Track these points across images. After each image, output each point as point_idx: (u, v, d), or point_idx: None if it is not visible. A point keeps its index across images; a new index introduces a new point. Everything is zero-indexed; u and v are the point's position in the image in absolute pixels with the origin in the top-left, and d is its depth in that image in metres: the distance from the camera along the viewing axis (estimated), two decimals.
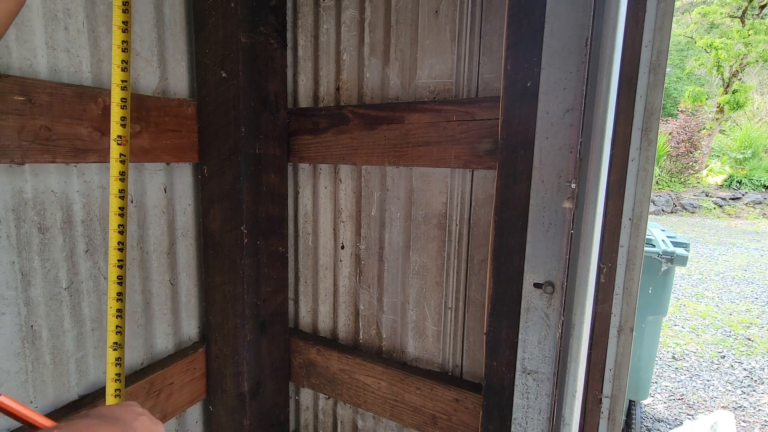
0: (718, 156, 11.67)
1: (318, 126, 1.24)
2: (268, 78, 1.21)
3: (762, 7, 11.94)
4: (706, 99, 12.19)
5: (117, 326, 0.82)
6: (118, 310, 0.78)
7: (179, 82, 1.18)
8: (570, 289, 0.85)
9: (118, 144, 0.73)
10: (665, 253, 2.00)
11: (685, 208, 9.69)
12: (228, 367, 1.27)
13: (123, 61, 0.74)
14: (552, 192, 0.86)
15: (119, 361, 0.82)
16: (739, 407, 2.71)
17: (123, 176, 0.78)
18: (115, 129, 0.74)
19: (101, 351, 1.07)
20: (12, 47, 0.85)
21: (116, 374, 0.82)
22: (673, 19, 0.78)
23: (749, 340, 3.64)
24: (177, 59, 1.17)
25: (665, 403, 2.75)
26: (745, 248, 6.71)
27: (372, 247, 1.27)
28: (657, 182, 10.76)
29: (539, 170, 0.86)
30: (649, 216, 0.84)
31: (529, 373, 0.93)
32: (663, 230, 2.51)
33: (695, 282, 5.10)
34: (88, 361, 1.04)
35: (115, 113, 0.72)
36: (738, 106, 11.46)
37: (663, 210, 9.71)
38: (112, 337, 0.82)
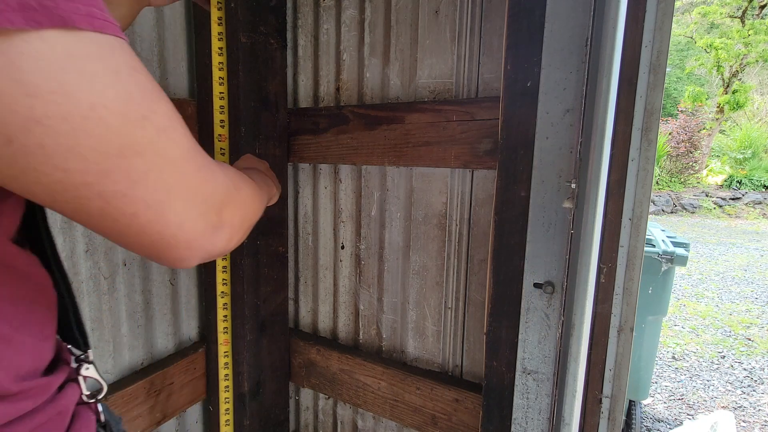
0: (718, 156, 11.67)
1: (318, 126, 1.24)
2: (268, 78, 1.21)
3: (762, 7, 11.94)
4: (706, 99, 12.18)
5: (223, 279, 1.13)
6: (223, 267, 1.12)
7: (179, 82, 1.18)
8: (570, 289, 0.85)
9: (219, 141, 0.98)
10: (665, 253, 2.00)
11: (685, 208, 9.69)
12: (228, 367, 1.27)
13: (220, 78, 0.99)
14: (552, 192, 0.86)
15: (226, 306, 1.14)
16: (739, 407, 2.71)
17: None
18: (216, 129, 0.97)
19: (101, 351, 1.07)
20: None
21: (224, 315, 1.13)
22: (673, 19, 0.78)
23: (749, 340, 3.64)
24: (177, 59, 1.17)
25: (665, 403, 2.75)
26: (745, 248, 6.70)
27: (372, 247, 1.27)
28: (657, 182, 10.76)
29: (539, 170, 0.86)
30: (649, 216, 0.84)
31: (529, 373, 0.93)
32: (663, 230, 2.50)
33: (695, 282, 5.09)
34: None
35: (216, 117, 0.98)
36: (738, 106, 11.46)
37: (663, 210, 9.70)
38: (219, 287, 1.13)
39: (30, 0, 0.23)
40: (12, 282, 0.35)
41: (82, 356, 0.47)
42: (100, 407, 0.47)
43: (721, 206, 9.60)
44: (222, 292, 1.15)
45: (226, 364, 1.14)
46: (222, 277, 1.15)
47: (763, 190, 10.06)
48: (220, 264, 1.12)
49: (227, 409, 1.16)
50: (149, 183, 0.31)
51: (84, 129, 0.27)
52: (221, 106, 0.95)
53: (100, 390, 0.46)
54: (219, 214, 0.38)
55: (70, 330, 0.46)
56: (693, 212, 9.56)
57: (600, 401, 0.86)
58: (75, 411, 0.42)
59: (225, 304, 1.14)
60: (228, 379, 1.17)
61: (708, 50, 12.06)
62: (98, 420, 0.45)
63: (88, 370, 0.45)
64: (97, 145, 0.27)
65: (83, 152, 0.27)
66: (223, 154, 0.94)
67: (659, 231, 2.46)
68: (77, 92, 0.26)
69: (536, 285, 0.89)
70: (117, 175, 0.29)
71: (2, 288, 0.34)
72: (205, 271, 1.26)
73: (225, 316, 1.15)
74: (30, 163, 0.26)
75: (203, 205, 0.36)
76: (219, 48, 0.96)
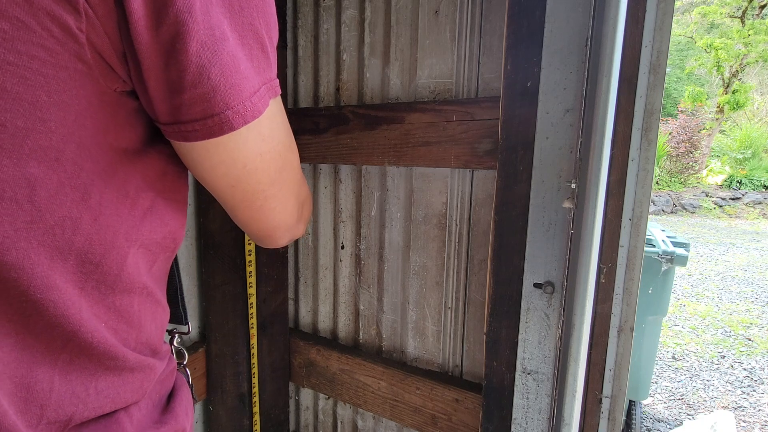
0: (718, 156, 11.66)
1: (318, 126, 1.24)
2: None
3: (762, 7, 11.94)
4: (706, 99, 12.17)
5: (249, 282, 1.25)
6: (249, 272, 1.26)
7: None
8: (570, 289, 0.85)
9: None
10: (665, 253, 2.00)
11: (685, 208, 9.68)
12: (228, 367, 1.27)
13: None
14: (552, 192, 0.86)
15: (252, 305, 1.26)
16: (739, 407, 2.71)
17: None
18: None
19: None
20: None
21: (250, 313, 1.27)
22: (673, 19, 0.78)
23: (749, 340, 3.64)
24: None
25: (665, 403, 2.75)
26: (745, 248, 6.70)
27: (372, 247, 1.27)
28: (657, 182, 10.75)
29: (539, 170, 0.86)
30: (649, 216, 0.84)
31: (529, 373, 0.93)
32: (663, 230, 2.50)
33: (695, 282, 5.09)
34: None
35: None
36: (738, 106, 11.45)
37: (663, 210, 9.70)
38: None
39: (271, 81, 0.38)
40: (169, 260, 0.46)
41: (174, 330, 0.59)
42: (188, 370, 0.59)
43: (721, 206, 9.60)
44: (250, 293, 1.26)
45: (253, 354, 1.31)
46: (249, 280, 1.25)
47: (763, 190, 10.05)
48: (247, 269, 1.26)
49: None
50: (287, 188, 0.46)
51: (272, 156, 0.41)
52: None
53: (184, 357, 0.60)
54: (301, 209, 0.52)
55: (177, 306, 0.56)
56: (693, 212, 9.56)
57: (600, 401, 0.86)
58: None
59: (251, 303, 1.27)
60: (254, 357, 1.30)
61: (708, 50, 12.05)
62: (188, 381, 0.55)
63: (177, 341, 0.59)
64: (275, 165, 0.42)
65: (269, 170, 0.42)
66: None
67: (659, 231, 2.46)
68: (277, 134, 0.41)
69: (536, 285, 0.89)
70: (277, 184, 0.44)
71: (166, 264, 0.45)
72: (205, 271, 1.26)
73: (252, 313, 1.27)
74: (244, 177, 0.40)
75: (298, 202, 0.50)
76: None
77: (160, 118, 0.34)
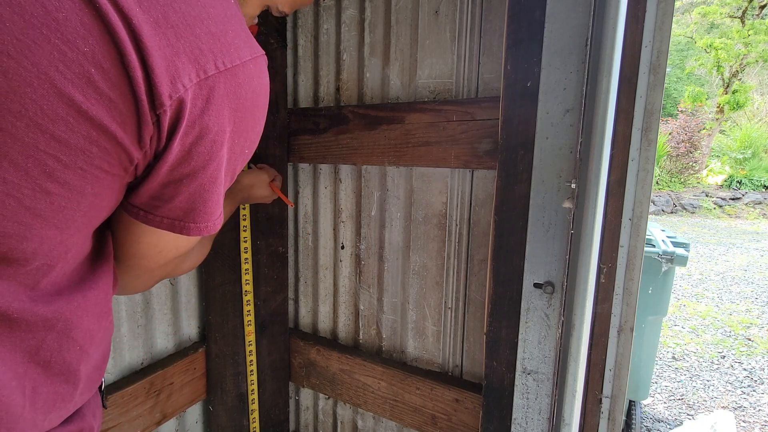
0: (718, 156, 11.65)
1: (318, 126, 1.24)
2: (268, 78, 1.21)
3: (762, 7, 11.93)
4: (706, 99, 12.16)
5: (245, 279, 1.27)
6: (246, 269, 1.27)
7: None
8: (570, 289, 0.85)
9: None
10: (665, 253, 1.99)
11: (685, 208, 9.68)
12: (228, 367, 1.27)
13: None
14: (552, 192, 0.86)
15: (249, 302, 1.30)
16: (739, 407, 2.71)
17: None
18: None
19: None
20: None
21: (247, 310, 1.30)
22: (673, 19, 0.78)
23: (749, 340, 3.64)
24: None
25: (665, 403, 2.75)
26: (745, 248, 6.70)
27: (372, 247, 1.27)
28: (657, 182, 10.74)
29: (539, 170, 0.86)
30: (649, 216, 0.84)
31: (529, 373, 0.93)
32: (663, 230, 2.50)
33: (695, 282, 5.09)
34: None
35: None
36: (738, 106, 11.44)
37: (663, 210, 9.70)
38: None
39: (219, 219, 0.49)
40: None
41: None
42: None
43: (721, 206, 9.59)
44: (246, 290, 1.27)
45: (251, 351, 1.32)
46: (245, 277, 1.25)
47: (763, 190, 10.05)
48: (243, 266, 1.25)
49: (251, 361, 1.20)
50: (165, 270, 0.55)
51: (178, 252, 0.52)
52: None
53: None
54: (159, 280, 0.59)
55: None
56: (693, 212, 9.56)
57: (600, 401, 0.86)
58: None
59: (248, 301, 1.28)
60: (252, 354, 1.29)
61: (708, 50, 12.04)
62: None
63: None
64: (172, 257, 0.53)
65: (168, 257, 0.52)
66: None
67: (659, 231, 2.45)
68: (190, 244, 0.53)
69: (536, 285, 0.89)
70: (163, 267, 0.54)
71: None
72: (205, 271, 1.26)
73: (249, 311, 1.29)
74: (153, 256, 0.51)
75: (162, 275, 0.57)
76: None
77: (136, 200, 0.43)
